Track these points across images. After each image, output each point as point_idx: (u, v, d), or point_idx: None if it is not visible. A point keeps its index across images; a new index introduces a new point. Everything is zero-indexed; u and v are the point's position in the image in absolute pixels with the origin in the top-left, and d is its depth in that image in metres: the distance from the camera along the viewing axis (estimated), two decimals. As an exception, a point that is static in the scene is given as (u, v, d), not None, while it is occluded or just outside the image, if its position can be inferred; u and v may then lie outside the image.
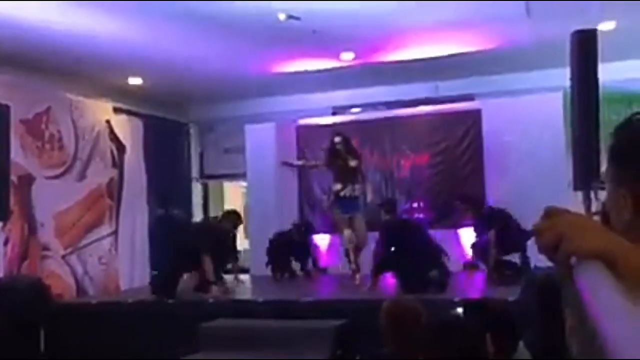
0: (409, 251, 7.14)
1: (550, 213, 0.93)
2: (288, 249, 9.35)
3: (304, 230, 9.57)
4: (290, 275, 9.30)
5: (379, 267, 7.39)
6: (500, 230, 7.73)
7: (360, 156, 8.49)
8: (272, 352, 5.74)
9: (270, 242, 9.33)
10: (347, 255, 8.37)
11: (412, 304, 3.67)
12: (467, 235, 9.34)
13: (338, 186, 8.21)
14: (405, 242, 7.28)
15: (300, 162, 10.10)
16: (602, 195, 6.08)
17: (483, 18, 7.43)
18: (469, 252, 8.69)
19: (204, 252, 7.69)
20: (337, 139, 8.29)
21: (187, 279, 8.12)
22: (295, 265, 9.45)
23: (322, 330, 5.90)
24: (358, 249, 8.22)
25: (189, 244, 8.06)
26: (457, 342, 2.73)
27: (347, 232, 8.17)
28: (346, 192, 8.17)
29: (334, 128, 9.28)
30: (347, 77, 9.63)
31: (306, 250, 9.48)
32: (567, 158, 6.96)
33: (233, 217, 8.57)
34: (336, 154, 8.30)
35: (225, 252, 8.38)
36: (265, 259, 9.31)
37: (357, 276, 8.00)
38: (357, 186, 8.25)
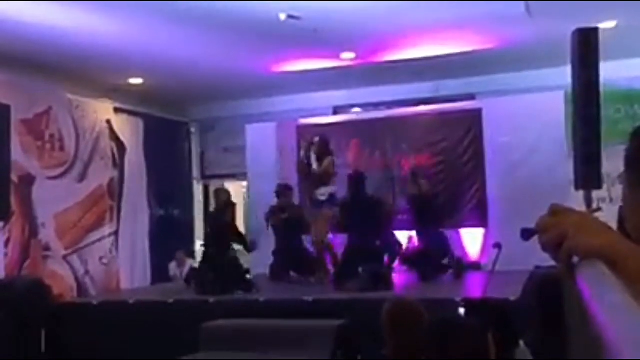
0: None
1: (556, 211, 0.92)
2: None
3: None
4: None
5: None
6: None
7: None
8: (273, 352, 5.73)
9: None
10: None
11: (414, 303, 3.66)
12: (470, 235, 9.33)
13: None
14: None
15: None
16: (598, 196, 6.07)
17: (483, 17, 7.41)
18: (471, 252, 8.66)
19: None
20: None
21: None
22: None
23: (323, 330, 5.89)
24: None
25: None
26: (460, 342, 2.72)
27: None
28: None
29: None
30: (348, 77, 9.62)
31: None
32: (568, 157, 6.95)
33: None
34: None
35: None
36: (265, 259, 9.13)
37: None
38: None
